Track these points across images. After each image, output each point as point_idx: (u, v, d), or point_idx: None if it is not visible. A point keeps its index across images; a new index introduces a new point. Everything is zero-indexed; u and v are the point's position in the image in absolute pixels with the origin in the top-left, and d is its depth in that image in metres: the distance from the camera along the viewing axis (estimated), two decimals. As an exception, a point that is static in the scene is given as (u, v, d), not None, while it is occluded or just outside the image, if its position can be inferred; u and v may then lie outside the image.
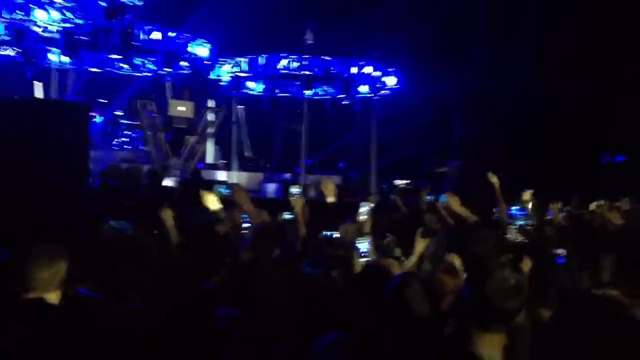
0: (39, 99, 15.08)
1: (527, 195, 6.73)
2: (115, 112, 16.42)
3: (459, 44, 19.84)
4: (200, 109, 16.31)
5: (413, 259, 4.56)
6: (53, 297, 3.18)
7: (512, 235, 5.38)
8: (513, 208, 5.93)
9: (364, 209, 5.03)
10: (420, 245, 4.49)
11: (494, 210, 6.26)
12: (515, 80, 18.98)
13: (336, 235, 5.23)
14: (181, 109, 15.09)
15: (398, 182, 19.05)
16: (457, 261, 4.20)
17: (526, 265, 3.89)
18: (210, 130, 15.99)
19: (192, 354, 3.13)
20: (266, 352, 2.98)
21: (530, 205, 6.45)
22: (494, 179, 6.37)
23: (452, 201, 5.65)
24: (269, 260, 3.64)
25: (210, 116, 16.10)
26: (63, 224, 6.71)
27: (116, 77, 16.70)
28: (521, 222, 5.59)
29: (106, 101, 16.56)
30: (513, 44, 19.24)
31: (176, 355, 3.11)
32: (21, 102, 12.24)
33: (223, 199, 4.90)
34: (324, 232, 5.33)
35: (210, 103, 17.91)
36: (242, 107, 19.39)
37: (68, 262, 3.28)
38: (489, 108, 19.28)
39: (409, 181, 19.06)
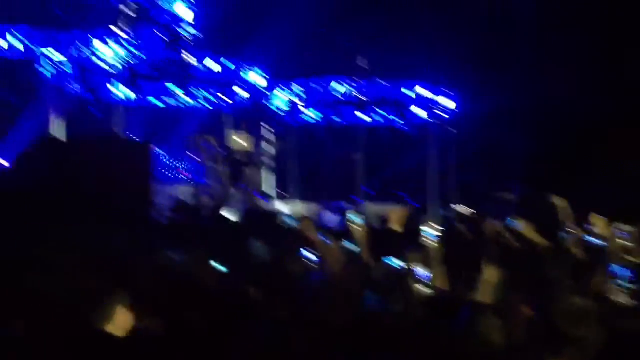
0: (105, 136, 15.62)
1: (596, 219, 6.46)
2: (176, 147, 16.80)
3: (514, 61, 19.49)
4: (259, 141, 16.53)
5: (482, 287, 4.44)
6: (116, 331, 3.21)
7: (617, 296, 5.09)
8: (618, 268, 5.61)
9: (431, 236, 4.94)
10: (489, 274, 4.36)
11: (562, 233, 6.05)
12: (574, 95, 18.46)
13: (399, 263, 5.16)
14: (240, 141, 15.32)
15: (460, 208, 18.75)
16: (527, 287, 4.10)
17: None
18: (268, 161, 16.18)
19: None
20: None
21: (600, 229, 6.20)
22: (560, 202, 6.17)
23: (527, 228, 5.51)
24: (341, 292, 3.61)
25: (268, 147, 16.29)
26: (126, 256, 6.85)
27: (176, 112, 17.15)
28: (630, 285, 5.24)
29: (167, 137, 16.97)
30: (566, 58, 18.78)
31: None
32: (89, 139, 12.70)
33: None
34: (386, 260, 5.27)
35: (268, 133, 18.14)
36: (299, 135, 19.54)
37: (122, 299, 3.30)
38: (549, 129, 18.79)
39: (469, 208, 18.73)
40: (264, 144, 16.25)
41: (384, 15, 19.16)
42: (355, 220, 5.00)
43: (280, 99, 18.27)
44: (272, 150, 16.41)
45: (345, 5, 18.13)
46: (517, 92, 18.82)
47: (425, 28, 18.64)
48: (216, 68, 16.31)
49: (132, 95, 16.57)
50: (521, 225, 5.43)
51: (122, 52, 14.47)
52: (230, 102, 16.93)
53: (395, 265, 5.15)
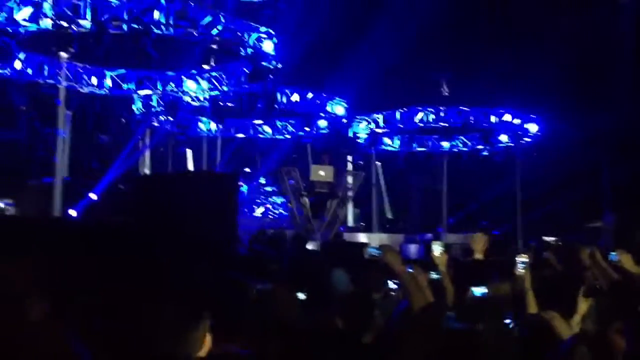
0: (193, 172, 16.08)
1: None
2: (259, 180, 17.12)
3: (601, 83, 18.78)
4: (340, 173, 16.64)
5: (577, 318, 4.25)
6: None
7: None
8: None
9: (522, 263, 4.79)
10: (583, 305, 4.17)
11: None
12: None
13: (485, 291, 5.02)
14: (322, 173, 15.45)
15: (547, 238, 18.14)
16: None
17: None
18: (350, 193, 16.22)
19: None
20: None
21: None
22: None
23: (625, 259, 5.27)
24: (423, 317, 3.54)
25: (350, 179, 16.35)
26: (212, 288, 6.97)
27: (259, 144, 17.50)
28: None
29: (250, 170, 17.33)
30: None
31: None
32: (178, 175, 13.12)
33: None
34: (472, 289, 5.14)
35: (350, 165, 18.22)
36: (380, 163, 19.50)
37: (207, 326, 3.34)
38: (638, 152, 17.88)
39: (557, 237, 18.09)
40: (347, 178, 16.33)
41: (465, 43, 18.99)
42: (437, 249, 4.90)
43: (361, 129, 18.36)
44: (354, 182, 16.46)
45: (428, 34, 18.09)
46: (608, 116, 18.12)
47: (511, 54, 18.30)
48: (296, 98, 16.62)
49: (215, 128, 17.05)
50: (622, 257, 5.20)
51: (206, 86, 14.93)
52: (309, 129, 17.17)
53: (479, 294, 5.02)
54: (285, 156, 17.28)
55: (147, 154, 16.21)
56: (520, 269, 4.77)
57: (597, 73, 18.75)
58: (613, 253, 5.56)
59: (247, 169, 17.20)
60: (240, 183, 15.33)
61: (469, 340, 3.21)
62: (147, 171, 16.12)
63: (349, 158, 18.85)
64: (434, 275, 5.80)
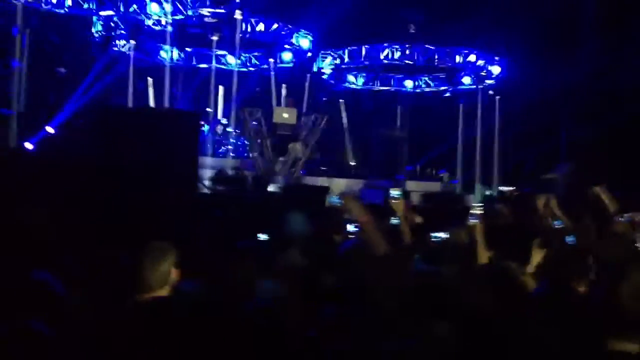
0: (152, 108, 15.82)
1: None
2: (221, 120, 16.95)
3: (569, 37, 18.85)
4: (304, 115, 16.58)
5: (531, 268, 4.39)
6: (163, 292, 3.31)
7: None
8: None
9: (474, 213, 4.91)
10: (538, 255, 4.31)
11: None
12: (631, 79, 17.71)
13: (444, 236, 5.16)
14: (285, 115, 15.36)
15: (503, 188, 18.51)
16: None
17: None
18: (313, 136, 16.20)
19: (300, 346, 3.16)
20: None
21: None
22: (598, 191, 6.09)
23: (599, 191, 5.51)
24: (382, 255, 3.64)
25: (313, 122, 16.31)
26: (176, 226, 6.98)
27: (222, 77, 17.18)
28: None
29: (211, 110, 17.10)
30: (628, 39, 17.98)
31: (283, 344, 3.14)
32: (135, 111, 12.88)
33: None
34: (432, 235, 5.27)
35: (313, 108, 18.16)
36: (343, 101, 19.47)
37: (176, 260, 3.40)
38: (601, 110, 18.14)
39: (513, 187, 18.46)
40: (308, 119, 16.27)
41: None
42: (395, 194, 4.98)
43: (325, 64, 18.23)
44: (317, 126, 16.44)
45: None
46: (575, 70, 18.25)
47: None
48: (261, 28, 16.37)
49: (178, 56, 16.68)
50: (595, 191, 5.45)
51: (169, 9, 14.58)
52: (273, 60, 16.97)
53: (438, 238, 5.16)
54: (248, 98, 17.06)
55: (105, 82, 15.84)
56: (472, 219, 4.90)
57: (566, 30, 18.82)
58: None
59: (209, 109, 16.96)
60: (202, 122, 15.17)
61: (435, 280, 3.31)
62: (104, 103, 15.81)
63: (312, 96, 18.73)
64: (393, 221, 5.91)
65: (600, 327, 2.49)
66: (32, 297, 3.13)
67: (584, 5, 18.88)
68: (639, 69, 17.56)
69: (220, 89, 17.49)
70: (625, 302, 2.40)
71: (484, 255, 4.62)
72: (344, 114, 19.75)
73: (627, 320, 2.40)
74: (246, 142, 16.03)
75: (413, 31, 18.18)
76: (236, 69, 16.79)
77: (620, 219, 5.73)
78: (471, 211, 4.96)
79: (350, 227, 5.14)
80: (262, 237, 5.66)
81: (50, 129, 13.02)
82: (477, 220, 4.85)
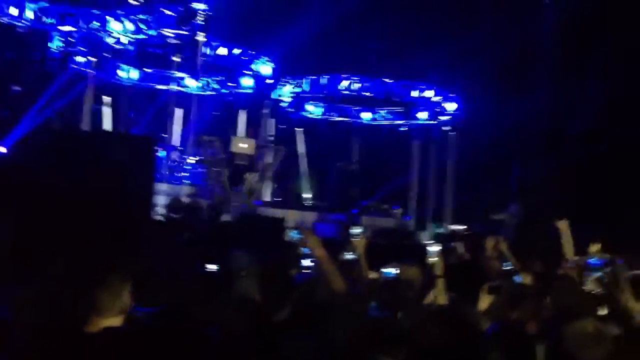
0: (106, 132, 15.60)
1: (594, 248, 6.48)
2: (177, 146, 16.81)
3: (523, 77, 19.35)
4: (262, 146, 16.60)
5: (484, 306, 4.45)
6: (116, 321, 3.25)
7: (590, 285, 5.23)
8: (591, 259, 5.75)
9: (434, 251, 4.96)
10: (485, 300, 4.36)
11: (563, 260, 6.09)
12: (584, 117, 18.16)
13: (396, 274, 5.19)
14: (243, 145, 15.36)
15: (455, 227, 18.73)
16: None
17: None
18: (270, 168, 16.23)
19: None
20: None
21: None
22: (563, 226, 6.20)
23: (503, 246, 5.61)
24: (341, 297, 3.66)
25: (271, 154, 16.35)
26: (127, 252, 6.86)
27: (181, 101, 17.07)
28: (599, 274, 5.41)
29: (167, 135, 16.97)
30: (580, 77, 18.50)
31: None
32: (90, 134, 12.72)
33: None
34: (384, 272, 5.30)
35: (270, 140, 18.17)
36: (301, 129, 19.58)
37: (130, 288, 3.35)
38: (553, 148, 18.52)
39: (465, 227, 18.69)
40: (266, 151, 16.31)
41: (395, 16, 19.20)
42: (356, 232, 5.03)
43: (285, 92, 18.32)
44: (276, 157, 16.47)
45: (359, 5, 18.21)
46: (528, 109, 18.67)
47: (440, 35, 18.58)
48: (223, 52, 16.38)
49: (138, 76, 16.56)
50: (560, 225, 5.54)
51: (131, 28, 14.49)
52: (233, 85, 17.01)
53: (389, 275, 5.17)
54: (207, 125, 16.97)
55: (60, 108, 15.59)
56: (431, 257, 4.95)
57: (521, 70, 19.33)
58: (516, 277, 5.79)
59: (165, 135, 16.82)
60: (157, 148, 15.03)
61: (390, 327, 3.33)
62: (59, 125, 15.55)
63: (271, 124, 18.77)
64: (347, 256, 5.94)
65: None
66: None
67: (538, 48, 19.48)
68: (590, 109, 18.11)
69: (178, 112, 17.36)
70: (572, 346, 2.48)
71: (442, 295, 4.66)
72: (301, 145, 19.83)
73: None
74: (202, 170, 15.92)
75: (372, 63, 18.54)
76: (195, 92, 16.74)
77: (568, 264, 5.87)
78: (429, 249, 5.02)
79: (306, 262, 5.14)
80: (211, 267, 5.61)
81: (1, 149, 12.71)
82: (436, 259, 4.91)
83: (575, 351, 2.42)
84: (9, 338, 2.98)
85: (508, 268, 6.20)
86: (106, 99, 17.31)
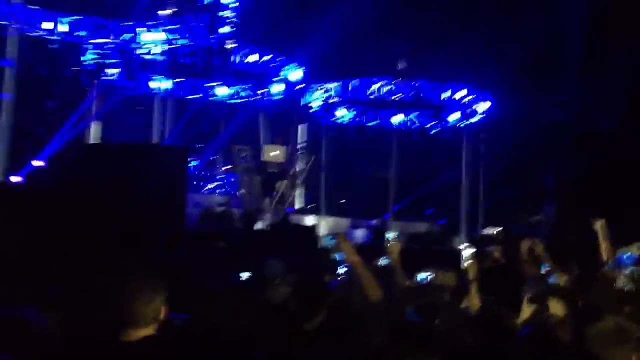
0: (141, 145, 15.78)
1: (635, 247, 6.35)
2: (210, 157, 16.95)
3: (553, 76, 19.07)
4: (293, 154, 16.65)
5: (519, 322, 4.34)
6: (150, 330, 3.26)
7: (622, 283, 5.13)
8: (624, 255, 5.66)
9: (468, 255, 4.91)
10: (527, 310, 4.25)
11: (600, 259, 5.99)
12: (615, 116, 17.86)
13: (432, 279, 5.14)
14: (274, 153, 15.43)
15: (489, 230, 18.51)
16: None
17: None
18: (301, 175, 16.26)
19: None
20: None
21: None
22: (599, 225, 6.10)
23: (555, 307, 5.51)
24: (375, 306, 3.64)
25: (302, 163, 16.38)
26: (162, 263, 6.92)
27: (213, 111, 17.17)
28: (631, 270, 5.32)
29: (202, 145, 17.13)
30: (609, 77, 18.21)
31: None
32: (126, 147, 12.87)
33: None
34: (420, 277, 5.25)
35: (302, 147, 18.19)
36: (332, 136, 19.58)
37: (165, 298, 3.37)
38: (585, 147, 18.22)
39: (499, 230, 18.46)
40: (299, 160, 16.34)
41: (425, 18, 19.10)
42: (391, 237, 4.99)
43: (315, 97, 18.32)
44: (306, 165, 16.50)
45: (387, 7, 18.13)
46: (560, 106, 18.40)
47: (470, 36, 18.44)
48: (253, 59, 16.46)
49: (170, 86, 16.75)
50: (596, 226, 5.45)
51: (162, 38, 14.65)
52: (264, 91, 17.05)
53: (423, 279, 5.13)
54: (238, 135, 17.05)
55: (97, 121, 15.85)
56: (465, 261, 4.90)
57: (552, 65, 19.07)
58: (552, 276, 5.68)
59: (199, 145, 16.98)
60: (191, 158, 15.19)
61: (426, 333, 3.30)
62: (96, 139, 15.82)
63: (301, 130, 18.78)
64: (383, 262, 5.90)
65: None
66: (6, 333, 3.06)
67: (569, 47, 19.21)
68: (621, 107, 17.78)
69: (209, 122, 17.52)
70: (594, 345, 2.45)
71: (476, 299, 4.60)
72: (331, 151, 19.83)
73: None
74: (234, 179, 16.01)
75: (402, 67, 18.43)
76: (227, 101, 16.86)
77: (608, 266, 5.77)
78: (464, 253, 4.96)
79: (341, 269, 5.13)
80: (245, 275, 5.63)
81: (38, 163, 12.97)
82: (471, 263, 4.85)
83: (599, 351, 2.37)
84: (41, 345, 3.01)
85: (545, 271, 6.11)
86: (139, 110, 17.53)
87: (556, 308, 4.13)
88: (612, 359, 2.43)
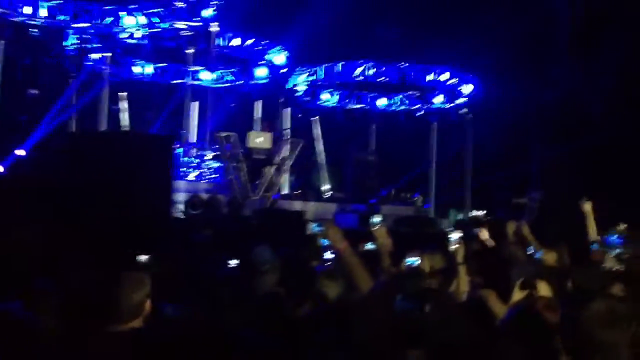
0: (126, 132, 15.67)
1: (621, 227, 6.43)
2: (194, 143, 16.85)
3: (540, 57, 19.06)
4: (279, 140, 16.57)
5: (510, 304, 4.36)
6: (137, 323, 3.23)
7: (610, 263, 5.19)
8: (611, 237, 5.71)
9: (455, 238, 4.91)
10: (518, 295, 4.27)
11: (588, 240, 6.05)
12: (601, 99, 17.89)
13: (419, 263, 5.14)
14: (259, 140, 15.36)
15: (475, 213, 18.60)
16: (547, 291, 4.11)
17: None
18: (287, 161, 16.19)
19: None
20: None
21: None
22: (587, 208, 6.16)
23: (549, 257, 5.54)
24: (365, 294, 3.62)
25: (288, 147, 16.30)
26: (148, 251, 6.89)
27: (198, 104, 17.03)
28: (618, 251, 5.38)
29: (185, 131, 17.01)
30: (598, 60, 18.22)
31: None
32: (110, 135, 12.77)
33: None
34: (407, 261, 5.25)
35: (288, 132, 18.13)
36: (317, 118, 19.51)
37: (149, 292, 3.33)
38: (572, 131, 18.27)
39: (485, 212, 18.56)
40: (284, 146, 16.25)
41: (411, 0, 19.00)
42: (376, 221, 4.97)
43: (300, 80, 18.24)
44: (292, 150, 16.42)
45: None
46: (547, 91, 18.40)
47: (454, 17, 18.36)
48: (236, 43, 16.34)
49: (151, 72, 16.58)
50: (543, 254, 5.50)
51: (144, 21, 14.51)
52: (247, 77, 16.96)
53: (412, 262, 5.13)
54: (223, 121, 16.95)
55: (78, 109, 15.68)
56: (453, 244, 4.90)
57: (539, 48, 19.04)
58: (538, 252, 5.80)
59: (184, 131, 16.86)
60: (176, 145, 15.08)
61: (416, 321, 3.30)
62: (78, 127, 15.68)
63: (286, 115, 18.72)
64: (369, 246, 5.89)
65: (568, 352, 2.53)
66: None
67: (557, 27, 19.19)
68: (609, 89, 17.82)
69: (194, 106, 17.37)
70: (589, 327, 2.45)
71: (464, 281, 4.62)
72: (317, 135, 19.78)
73: (591, 346, 2.45)
74: (220, 166, 15.94)
75: (387, 49, 18.38)
76: (210, 85, 16.73)
77: (594, 246, 5.82)
78: (450, 236, 4.97)
79: (328, 254, 5.11)
80: (233, 262, 5.61)
81: (21, 152, 12.84)
82: (457, 246, 4.86)
83: (593, 332, 2.38)
84: (28, 338, 2.98)
85: (531, 252, 6.15)
86: (122, 97, 17.36)
87: (544, 289, 4.16)
88: (607, 340, 2.44)
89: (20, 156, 12.75)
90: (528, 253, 6.17)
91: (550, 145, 18.48)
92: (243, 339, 2.89)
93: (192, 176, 15.82)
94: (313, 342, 3.11)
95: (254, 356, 2.83)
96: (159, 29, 14.89)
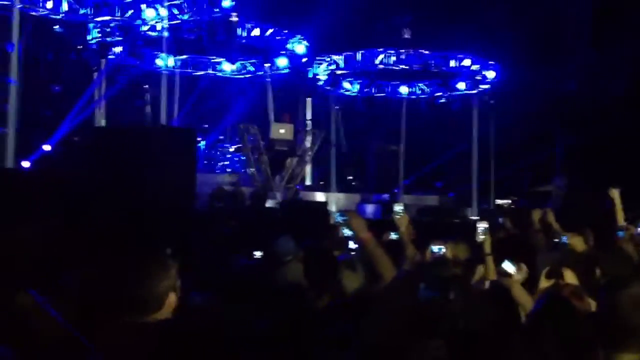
0: (149, 126, 15.76)
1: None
2: (218, 137, 16.92)
3: (561, 45, 18.82)
4: (300, 131, 16.58)
5: (537, 296, 4.32)
6: (163, 314, 3.22)
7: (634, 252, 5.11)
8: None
9: (482, 228, 4.86)
10: (544, 284, 4.23)
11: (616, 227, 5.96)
12: (622, 86, 17.64)
13: (444, 251, 5.11)
14: (282, 131, 15.36)
15: (500, 201, 18.47)
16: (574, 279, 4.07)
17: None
18: (309, 152, 16.20)
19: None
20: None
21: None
22: (615, 194, 6.08)
23: (576, 241, 5.48)
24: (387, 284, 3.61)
25: (310, 138, 16.30)
26: (172, 244, 6.94)
27: (218, 87, 17.03)
28: None
29: (207, 126, 17.09)
30: (619, 47, 17.95)
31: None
32: (133, 129, 12.85)
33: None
34: (432, 249, 5.23)
35: (309, 124, 18.13)
36: (338, 107, 19.45)
37: (174, 281, 3.33)
38: (594, 118, 18.04)
39: (510, 200, 18.42)
40: (307, 137, 16.24)
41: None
42: (398, 210, 4.93)
43: (321, 69, 18.18)
44: (314, 141, 16.41)
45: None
46: (567, 81, 18.19)
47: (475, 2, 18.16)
48: (256, 33, 16.34)
49: (173, 64, 16.61)
50: (568, 238, 5.45)
51: (165, 14, 14.56)
52: (268, 65, 16.93)
53: (437, 250, 5.10)
54: (244, 113, 16.98)
55: (103, 103, 15.81)
56: (480, 235, 4.86)
57: (559, 38, 18.81)
58: (564, 236, 5.74)
59: (206, 125, 16.95)
60: (198, 139, 15.17)
61: (441, 309, 3.28)
62: (103, 122, 15.81)
63: (308, 105, 18.70)
64: (393, 236, 5.87)
65: (600, 339, 2.50)
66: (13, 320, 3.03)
67: (577, 16, 18.95)
68: (629, 76, 17.55)
69: (216, 100, 17.46)
70: (625, 312, 2.43)
71: (492, 271, 4.57)
72: (339, 125, 19.72)
73: (627, 331, 2.43)
74: (243, 158, 15.99)
75: (407, 36, 18.21)
76: (231, 76, 16.74)
77: (620, 232, 5.74)
78: (477, 226, 4.92)
79: (352, 244, 5.11)
80: (257, 254, 5.62)
81: (46, 147, 12.99)
82: (485, 236, 4.81)
83: (630, 318, 2.35)
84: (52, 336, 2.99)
85: (557, 240, 6.08)
86: (146, 90, 17.47)
87: (570, 277, 4.12)
88: None
89: (46, 151, 12.91)
90: (554, 240, 6.11)
91: (574, 131, 18.28)
92: (254, 331, 2.89)
93: (216, 168, 15.93)
94: (320, 339, 3.10)
95: (261, 351, 2.84)
96: (179, 21, 14.94)
